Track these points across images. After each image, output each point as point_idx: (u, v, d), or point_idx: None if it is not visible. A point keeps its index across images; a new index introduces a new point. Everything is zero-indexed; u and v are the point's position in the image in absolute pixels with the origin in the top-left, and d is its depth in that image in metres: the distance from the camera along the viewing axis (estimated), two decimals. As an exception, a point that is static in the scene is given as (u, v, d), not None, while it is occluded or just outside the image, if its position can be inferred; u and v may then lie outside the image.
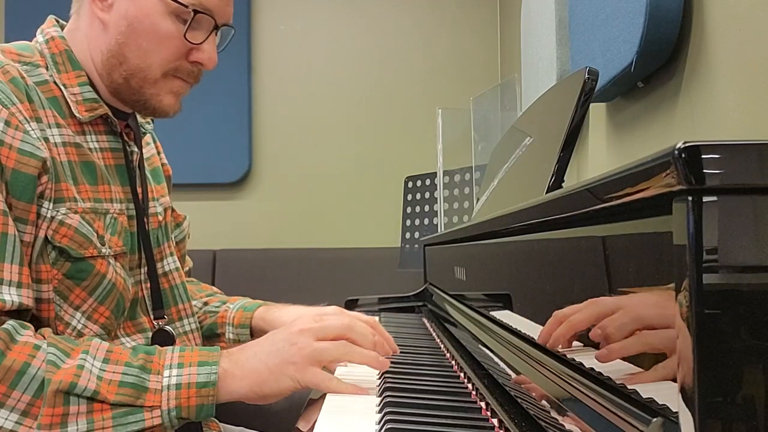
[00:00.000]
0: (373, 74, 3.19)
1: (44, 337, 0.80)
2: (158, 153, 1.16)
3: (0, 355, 0.75)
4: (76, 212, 0.87)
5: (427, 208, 2.35)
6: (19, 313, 0.82)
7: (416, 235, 2.36)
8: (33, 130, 0.84)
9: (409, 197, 2.41)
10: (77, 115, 0.91)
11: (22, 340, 0.77)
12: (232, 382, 0.82)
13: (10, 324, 0.78)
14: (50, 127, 0.88)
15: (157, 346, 0.88)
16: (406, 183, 2.42)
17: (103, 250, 0.90)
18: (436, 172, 2.26)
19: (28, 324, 0.81)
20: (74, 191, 0.88)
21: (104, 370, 0.79)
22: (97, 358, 0.80)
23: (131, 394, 0.79)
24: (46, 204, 0.84)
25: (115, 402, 0.78)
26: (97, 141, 0.95)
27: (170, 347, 0.86)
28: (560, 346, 0.54)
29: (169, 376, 0.81)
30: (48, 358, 0.77)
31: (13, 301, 0.79)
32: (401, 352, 1.00)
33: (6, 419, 0.75)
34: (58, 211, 0.85)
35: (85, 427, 0.76)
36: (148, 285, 1.00)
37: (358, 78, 3.19)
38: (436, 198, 2.27)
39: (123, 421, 0.78)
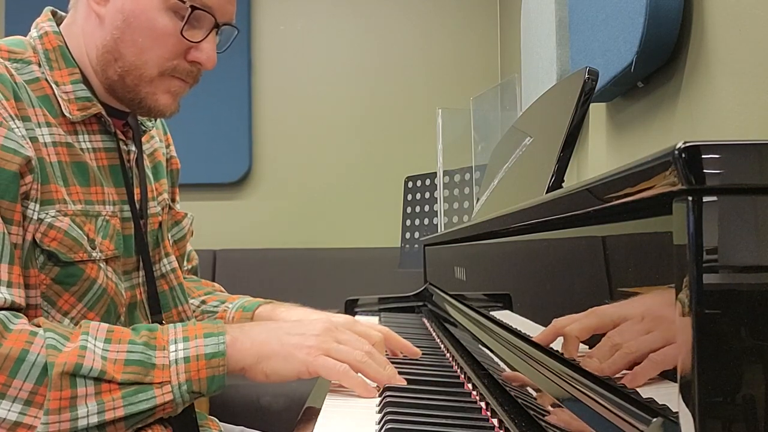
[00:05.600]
0: (373, 74, 3.19)
1: (39, 325, 0.77)
2: (167, 146, 1.12)
3: None
4: (65, 215, 0.84)
5: (427, 208, 2.35)
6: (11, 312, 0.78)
7: (416, 235, 2.35)
8: (18, 128, 0.81)
9: (409, 197, 2.41)
10: (68, 114, 0.88)
11: (16, 329, 0.74)
12: (240, 352, 0.80)
13: (2, 314, 0.74)
14: (39, 126, 0.84)
15: (157, 324, 0.85)
16: (406, 183, 2.42)
17: (94, 254, 0.87)
18: (436, 172, 2.26)
19: (21, 314, 0.77)
20: (64, 193, 0.84)
21: (107, 350, 0.76)
22: (98, 338, 0.77)
23: (139, 372, 0.76)
24: (31, 205, 0.81)
25: (124, 381, 0.75)
26: (90, 141, 0.91)
27: (172, 324, 0.84)
28: (561, 350, 0.55)
29: (176, 350, 0.78)
30: (48, 343, 0.74)
31: (5, 299, 0.76)
32: (401, 352, 1.01)
33: (9, 410, 0.71)
34: (47, 214, 0.82)
35: (96, 409, 0.73)
36: (146, 288, 0.97)
37: (358, 78, 3.19)
38: (436, 198, 2.27)
39: (133, 400, 0.75)
